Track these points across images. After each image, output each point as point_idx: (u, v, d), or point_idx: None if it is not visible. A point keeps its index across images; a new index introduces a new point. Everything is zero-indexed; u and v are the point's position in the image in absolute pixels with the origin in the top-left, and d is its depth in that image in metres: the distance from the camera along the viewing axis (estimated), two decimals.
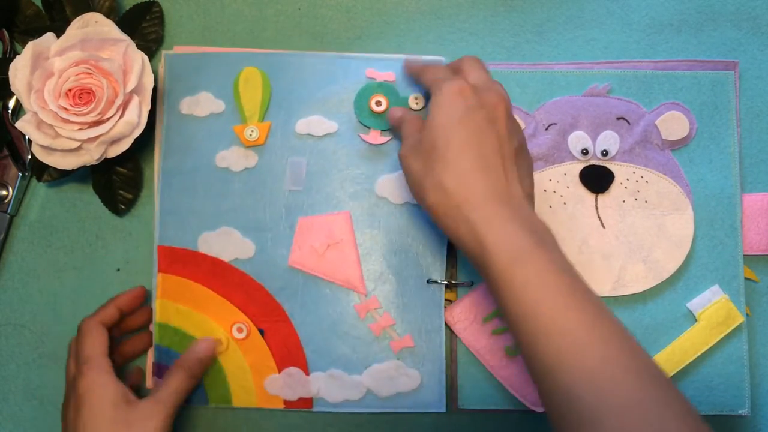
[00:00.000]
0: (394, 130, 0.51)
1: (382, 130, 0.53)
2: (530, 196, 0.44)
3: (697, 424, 0.36)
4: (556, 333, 0.38)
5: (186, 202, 0.53)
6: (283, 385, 0.51)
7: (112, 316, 0.50)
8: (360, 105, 0.53)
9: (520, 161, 0.44)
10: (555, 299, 0.39)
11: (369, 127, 0.53)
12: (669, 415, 0.36)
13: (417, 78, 0.51)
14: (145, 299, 0.52)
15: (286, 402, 0.51)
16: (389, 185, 0.53)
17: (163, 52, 0.54)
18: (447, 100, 0.44)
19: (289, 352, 0.51)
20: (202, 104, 0.53)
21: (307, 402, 0.51)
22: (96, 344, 0.47)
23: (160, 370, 0.51)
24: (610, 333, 0.39)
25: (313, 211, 0.53)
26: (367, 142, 0.53)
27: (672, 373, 0.50)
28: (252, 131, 0.53)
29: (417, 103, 0.53)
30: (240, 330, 0.52)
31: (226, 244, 0.52)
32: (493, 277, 0.40)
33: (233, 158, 0.53)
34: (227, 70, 0.54)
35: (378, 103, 0.52)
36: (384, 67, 0.53)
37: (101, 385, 0.46)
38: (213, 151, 0.53)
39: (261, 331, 0.52)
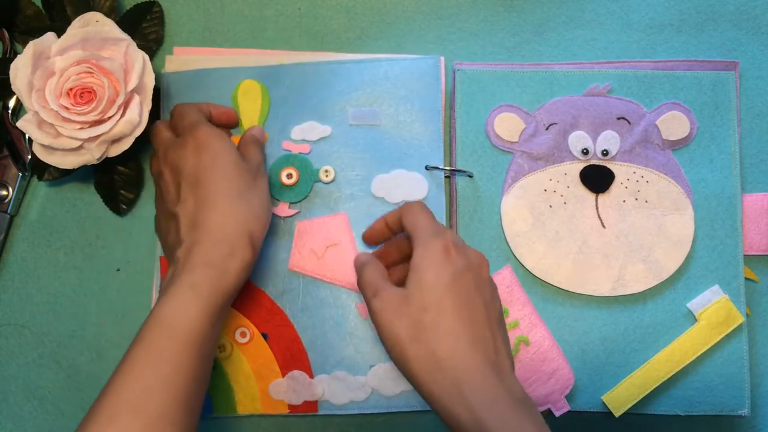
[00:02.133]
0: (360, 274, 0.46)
1: (290, 203, 0.52)
2: (513, 364, 0.43)
3: None
4: None
5: None
6: (287, 389, 0.51)
7: (207, 110, 0.51)
8: (272, 179, 0.53)
9: (502, 328, 0.44)
10: None
11: (278, 200, 0.52)
12: None
13: (393, 218, 0.48)
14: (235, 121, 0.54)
15: (290, 407, 0.51)
16: (385, 185, 0.53)
17: (162, 71, 0.54)
18: (436, 258, 0.42)
19: (292, 356, 0.51)
20: None
21: (311, 405, 0.51)
22: (202, 108, 0.50)
23: None
24: None
25: (311, 214, 0.53)
26: (276, 215, 0.52)
27: (672, 373, 0.50)
28: None
29: (327, 175, 0.52)
30: (243, 334, 0.51)
31: None
32: None
33: None
34: (225, 85, 0.54)
35: (289, 176, 0.52)
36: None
37: (220, 135, 0.47)
38: None
39: (264, 336, 0.52)
